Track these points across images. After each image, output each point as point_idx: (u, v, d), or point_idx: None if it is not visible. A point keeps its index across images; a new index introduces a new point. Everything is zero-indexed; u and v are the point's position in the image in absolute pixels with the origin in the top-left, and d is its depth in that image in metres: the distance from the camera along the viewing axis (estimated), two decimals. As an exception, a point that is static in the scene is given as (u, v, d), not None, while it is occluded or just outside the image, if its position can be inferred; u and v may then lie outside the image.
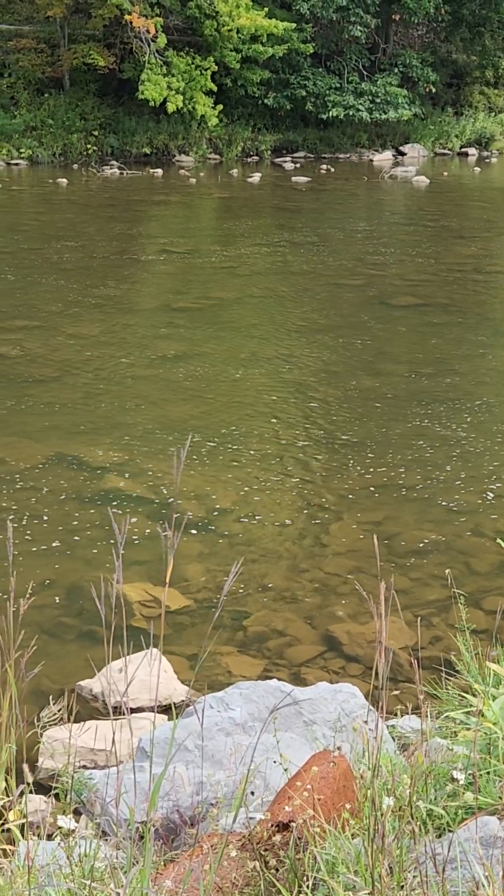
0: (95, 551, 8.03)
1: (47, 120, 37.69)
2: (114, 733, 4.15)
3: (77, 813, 4.52)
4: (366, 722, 4.55)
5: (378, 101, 42.42)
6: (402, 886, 2.91)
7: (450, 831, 3.36)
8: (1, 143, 36.77)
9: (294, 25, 39.21)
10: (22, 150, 36.93)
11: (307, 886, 3.10)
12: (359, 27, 41.52)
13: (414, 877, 2.94)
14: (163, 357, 13.59)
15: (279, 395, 12.10)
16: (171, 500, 9.01)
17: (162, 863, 3.72)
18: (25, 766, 3.13)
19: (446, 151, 45.92)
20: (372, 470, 9.78)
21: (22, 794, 3.06)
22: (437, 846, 3.12)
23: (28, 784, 3.00)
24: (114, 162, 37.26)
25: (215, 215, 28.58)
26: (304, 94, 41.36)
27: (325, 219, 26.65)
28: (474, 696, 4.49)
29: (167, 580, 3.13)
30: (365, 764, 3.86)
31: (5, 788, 3.36)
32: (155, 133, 38.84)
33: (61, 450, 10.20)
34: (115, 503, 8.94)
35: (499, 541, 7.69)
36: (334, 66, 43.15)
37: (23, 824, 3.50)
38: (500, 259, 21.66)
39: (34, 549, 8.08)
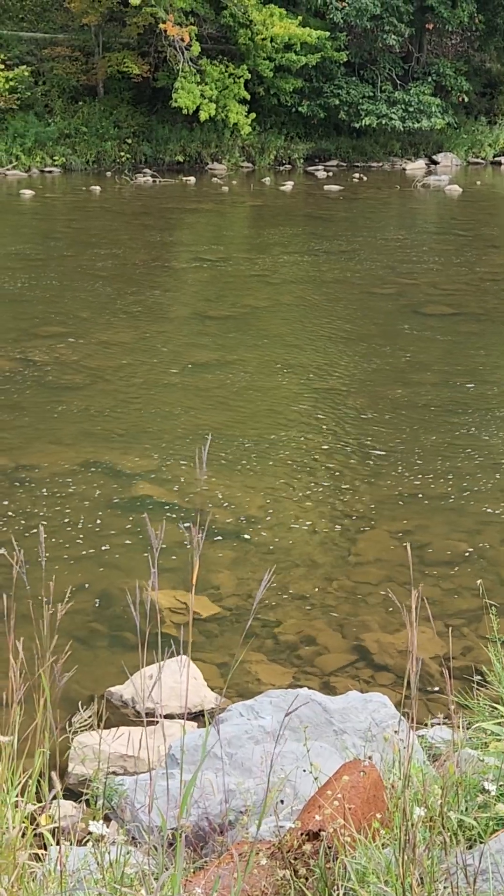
0: (126, 558, 8.06)
1: (81, 128, 37.88)
2: (144, 740, 4.16)
3: (107, 819, 4.54)
4: (396, 732, 4.54)
5: (411, 109, 42.35)
6: (433, 897, 2.90)
7: (481, 842, 3.35)
8: (35, 150, 36.98)
9: (328, 34, 39.23)
10: (56, 158, 37.13)
11: (338, 895, 3.10)
12: (393, 36, 41.49)
13: (445, 888, 2.93)
14: (195, 365, 13.63)
15: (310, 403, 12.10)
16: (201, 508, 9.02)
17: (192, 870, 3.73)
18: (54, 774, 3.15)
19: (479, 161, 45.79)
20: (403, 479, 9.76)
21: (54, 798, 3.07)
22: (469, 857, 3.12)
23: (59, 790, 3.01)
24: (147, 170, 37.39)
25: (248, 223, 28.63)
26: (337, 102, 41.36)
27: (357, 227, 26.65)
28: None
29: (193, 584, 3.14)
30: (395, 774, 3.86)
31: (37, 793, 3.38)
32: (188, 141, 38.95)
33: (93, 456, 10.24)
34: (146, 510, 8.96)
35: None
36: (368, 74, 43.12)
37: (54, 829, 3.52)
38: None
39: (65, 554, 8.11)
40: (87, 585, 7.68)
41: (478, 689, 5.29)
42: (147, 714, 5.63)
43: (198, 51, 36.38)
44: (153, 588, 3.11)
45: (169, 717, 5.89)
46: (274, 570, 7.86)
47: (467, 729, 4.50)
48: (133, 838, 4.32)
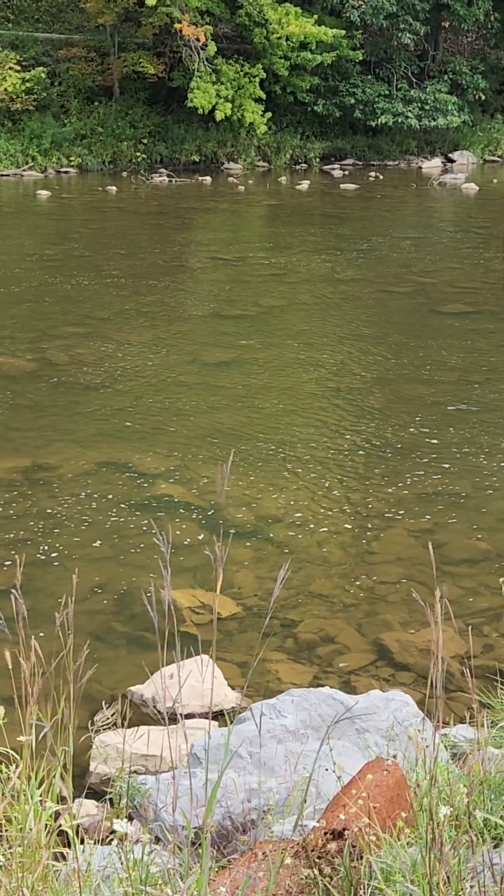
0: (145, 557, 8.06)
1: (97, 128, 37.95)
2: (166, 739, 4.15)
3: (130, 818, 4.53)
4: (419, 731, 4.53)
5: (427, 108, 42.30)
6: (460, 896, 2.89)
7: (506, 842, 3.34)
8: (51, 151, 37.06)
9: (343, 32, 39.20)
10: (72, 158, 37.21)
11: (363, 894, 3.09)
12: (408, 34, 41.44)
13: (471, 887, 2.92)
14: (212, 364, 13.62)
15: (328, 402, 12.08)
16: (220, 508, 9.02)
17: (215, 869, 3.72)
18: (66, 776, 3.14)
19: (496, 159, 45.71)
20: (421, 477, 9.74)
21: (76, 797, 3.07)
22: (495, 856, 3.10)
23: (68, 790, 3.01)
24: (163, 170, 37.44)
25: (264, 223, 28.62)
26: (352, 101, 41.34)
27: (373, 226, 26.61)
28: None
29: (217, 589, 3.13)
30: (419, 772, 3.84)
31: (60, 792, 3.38)
32: (204, 141, 38.98)
33: (111, 456, 10.24)
34: (164, 509, 8.96)
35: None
36: (383, 73, 43.08)
37: (77, 828, 3.51)
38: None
39: (84, 554, 8.12)
40: (106, 585, 7.68)
41: (501, 687, 5.27)
42: (167, 713, 5.63)
43: (213, 50, 36.39)
44: (165, 588, 3.11)
45: (190, 716, 5.89)
46: (294, 569, 7.86)
47: (491, 728, 4.48)
48: (156, 838, 4.32)
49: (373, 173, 39.04)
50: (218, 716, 6.07)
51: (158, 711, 5.70)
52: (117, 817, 3.79)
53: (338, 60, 40.02)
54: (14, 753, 3.48)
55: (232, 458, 3.11)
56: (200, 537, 8.43)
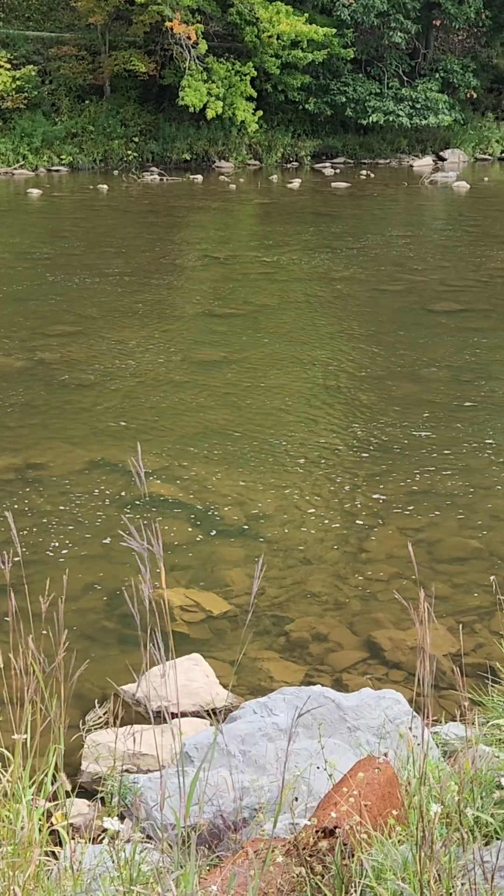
0: (137, 556, 8.04)
1: (88, 126, 37.92)
2: (157, 738, 4.15)
3: (121, 817, 4.53)
4: (410, 729, 4.53)
5: (418, 106, 42.34)
6: (451, 894, 2.89)
7: (497, 839, 3.34)
8: (42, 149, 37.02)
9: (334, 31, 39.21)
10: (63, 157, 37.18)
11: (354, 892, 3.09)
12: (399, 33, 41.47)
13: (462, 884, 2.92)
14: (203, 363, 13.62)
15: (320, 400, 12.09)
16: (212, 506, 9.03)
17: (207, 867, 3.72)
18: (62, 775, 3.14)
19: (487, 157, 45.76)
20: (413, 476, 9.74)
21: (67, 795, 3.07)
22: (486, 854, 3.11)
23: (67, 786, 3.01)
24: (154, 168, 37.42)
25: (255, 221, 28.62)
26: (344, 99, 41.35)
27: (365, 224, 26.62)
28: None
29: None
30: (410, 770, 3.85)
31: (52, 791, 3.38)
32: (195, 139, 38.96)
33: (102, 454, 10.23)
34: (155, 508, 8.96)
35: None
36: (375, 71, 43.11)
37: (68, 827, 3.51)
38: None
39: (76, 553, 8.11)
40: (98, 584, 7.68)
41: (492, 685, 5.28)
42: (159, 712, 5.63)
43: (204, 48, 36.38)
44: (145, 585, 3.11)
45: (182, 714, 5.88)
46: (285, 568, 7.87)
47: (482, 725, 4.49)
48: (148, 836, 4.32)
49: (364, 172, 39.05)
50: (210, 714, 6.07)
51: (150, 710, 5.70)
52: (108, 816, 3.79)
53: (329, 59, 40.04)
54: (7, 753, 3.48)
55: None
56: (191, 536, 8.44)
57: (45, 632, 3.61)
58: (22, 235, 24.45)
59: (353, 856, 3.23)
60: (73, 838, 3.40)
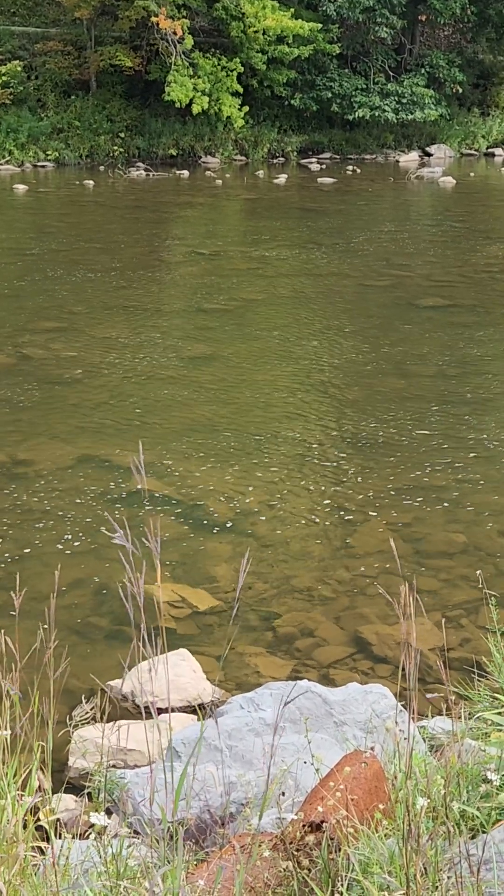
0: (124, 552, 8.03)
1: (74, 122, 37.84)
2: (144, 733, 4.15)
3: (108, 812, 4.53)
4: (396, 723, 4.54)
5: (404, 101, 42.35)
6: (437, 887, 2.90)
7: (484, 832, 3.35)
8: (28, 145, 36.93)
9: (320, 26, 39.20)
10: (49, 153, 37.09)
11: (341, 886, 3.10)
12: (385, 28, 41.46)
13: (448, 877, 2.93)
14: (190, 358, 13.61)
15: (306, 396, 12.09)
16: (199, 501, 9.02)
17: (194, 862, 3.72)
18: (39, 773, 3.14)
19: (473, 152, 45.80)
20: (399, 471, 9.76)
21: (54, 791, 3.07)
22: (472, 847, 3.11)
23: (45, 785, 3.01)
24: (140, 164, 37.36)
25: (241, 217, 28.60)
26: (330, 95, 41.35)
27: (351, 220, 26.62)
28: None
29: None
30: (396, 764, 3.86)
31: (39, 787, 3.37)
32: (181, 134, 38.91)
33: (89, 450, 10.22)
34: (142, 503, 8.95)
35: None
36: (360, 66, 43.11)
37: (55, 823, 3.51)
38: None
39: (63, 548, 8.10)
40: (84, 579, 7.67)
41: (478, 679, 5.29)
42: (146, 707, 5.63)
43: (190, 44, 36.34)
44: (133, 581, 3.11)
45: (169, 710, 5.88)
46: (272, 563, 7.88)
47: (468, 719, 4.50)
48: (135, 831, 4.32)
49: (350, 167, 39.04)
50: (197, 709, 6.07)
51: (137, 705, 5.70)
52: (96, 811, 3.79)
53: (315, 54, 40.03)
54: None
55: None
56: (179, 531, 8.43)
57: (27, 627, 3.61)
58: (7, 231, 24.39)
59: (339, 850, 3.23)
60: (60, 834, 3.40)
